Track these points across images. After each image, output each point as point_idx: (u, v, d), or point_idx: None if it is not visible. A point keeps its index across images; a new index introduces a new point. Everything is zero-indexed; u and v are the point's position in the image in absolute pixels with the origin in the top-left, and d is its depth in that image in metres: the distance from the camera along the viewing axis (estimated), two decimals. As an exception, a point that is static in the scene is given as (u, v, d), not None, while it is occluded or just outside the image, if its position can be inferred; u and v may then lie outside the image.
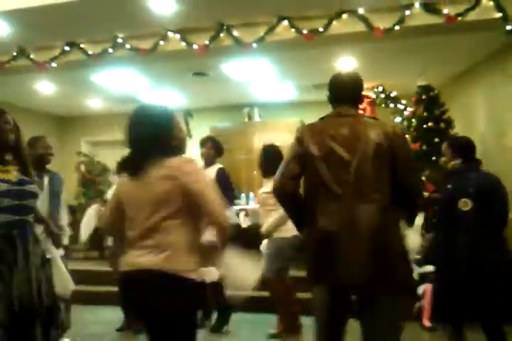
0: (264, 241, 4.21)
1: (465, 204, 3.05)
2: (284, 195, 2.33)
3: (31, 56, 5.64)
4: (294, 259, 3.97)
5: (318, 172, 2.22)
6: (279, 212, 3.66)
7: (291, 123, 8.00)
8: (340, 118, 2.34)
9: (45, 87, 7.27)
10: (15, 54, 5.66)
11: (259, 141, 7.54)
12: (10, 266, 2.22)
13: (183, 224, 1.94)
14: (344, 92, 2.41)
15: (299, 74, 6.80)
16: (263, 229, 4.02)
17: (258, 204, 4.46)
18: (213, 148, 4.68)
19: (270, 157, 4.02)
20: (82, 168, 8.17)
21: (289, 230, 3.70)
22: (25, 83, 6.96)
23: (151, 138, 2.00)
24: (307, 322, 3.43)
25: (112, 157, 7.44)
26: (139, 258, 1.92)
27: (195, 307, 2.06)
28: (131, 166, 2.02)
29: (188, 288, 1.88)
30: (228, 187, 4.35)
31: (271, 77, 6.85)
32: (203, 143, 4.72)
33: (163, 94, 7.81)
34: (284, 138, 7.70)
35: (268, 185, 3.88)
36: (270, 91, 7.72)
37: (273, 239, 4.00)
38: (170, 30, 5.20)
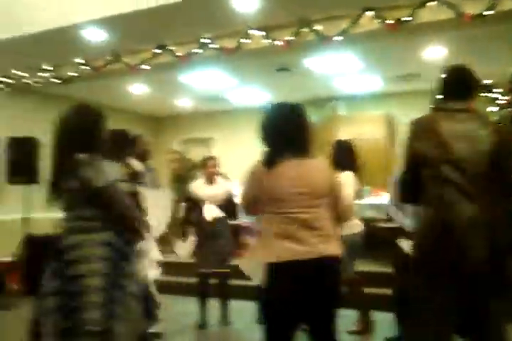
0: None
1: None
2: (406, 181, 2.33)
3: (124, 60, 5.99)
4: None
5: (439, 169, 2.14)
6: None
7: (376, 116, 7.83)
8: (455, 113, 2.26)
9: (137, 89, 7.68)
10: (110, 58, 6.04)
11: (344, 135, 7.46)
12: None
13: (329, 213, 2.29)
14: (460, 86, 2.33)
15: (385, 65, 6.63)
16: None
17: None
18: None
19: (342, 151, 4.20)
20: (174, 164, 8.53)
21: (359, 225, 4.03)
22: (119, 85, 7.39)
23: (298, 134, 2.36)
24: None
25: (200, 153, 7.75)
26: (319, 246, 2.17)
27: None
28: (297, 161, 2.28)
29: None
30: None
31: (355, 70, 6.74)
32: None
33: (248, 91, 7.96)
34: (369, 131, 7.59)
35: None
36: (355, 84, 7.59)
37: (344, 237, 4.00)
38: (253, 28, 5.28)
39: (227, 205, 4.58)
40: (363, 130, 7.48)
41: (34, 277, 2.98)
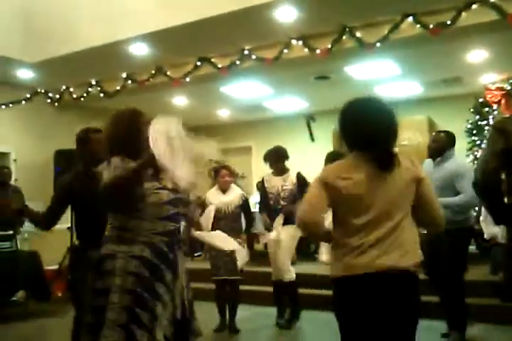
0: None
1: None
2: (488, 191, 2.18)
3: (168, 73, 6.15)
4: None
5: None
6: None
7: (417, 121, 7.76)
8: None
9: (179, 101, 7.85)
10: (153, 72, 6.22)
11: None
12: (175, 273, 2.19)
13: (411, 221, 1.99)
14: None
15: (426, 70, 6.58)
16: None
17: None
18: None
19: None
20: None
21: None
22: (162, 98, 7.58)
23: (392, 133, 1.98)
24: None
25: (238, 162, 7.83)
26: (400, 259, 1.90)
27: None
28: (379, 162, 1.92)
29: None
30: None
31: (396, 75, 6.71)
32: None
33: (286, 100, 8.02)
34: (411, 137, 7.52)
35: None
36: (395, 89, 7.55)
37: None
38: (293, 38, 5.36)
39: (245, 212, 4.62)
40: (405, 135, 7.41)
41: (73, 285, 3.12)
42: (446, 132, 3.95)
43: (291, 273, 4.45)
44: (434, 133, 4.09)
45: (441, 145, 3.83)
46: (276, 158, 4.64)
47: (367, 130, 1.96)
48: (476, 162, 6.63)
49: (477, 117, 6.75)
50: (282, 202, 4.56)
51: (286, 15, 4.82)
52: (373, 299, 1.89)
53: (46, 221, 3.12)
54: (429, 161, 3.90)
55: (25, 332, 4.71)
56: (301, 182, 4.53)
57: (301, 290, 4.69)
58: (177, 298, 2.18)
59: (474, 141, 6.77)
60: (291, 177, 4.60)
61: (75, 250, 3.22)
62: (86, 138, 3.10)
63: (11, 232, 5.38)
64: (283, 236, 4.43)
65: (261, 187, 4.86)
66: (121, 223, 2.17)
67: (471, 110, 6.79)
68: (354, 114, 2.05)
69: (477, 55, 5.85)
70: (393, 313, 1.90)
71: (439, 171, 3.73)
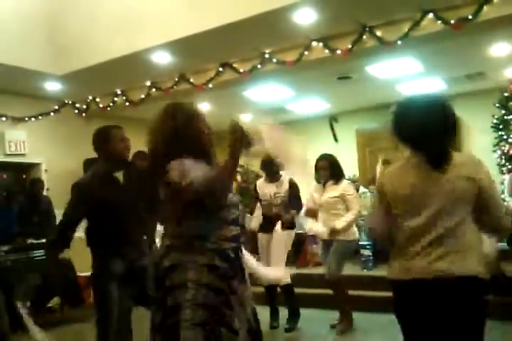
0: (320, 243, 4.53)
1: None
2: None
3: (190, 80, 6.24)
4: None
5: None
6: (354, 213, 4.21)
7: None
8: None
9: (203, 107, 7.92)
10: (176, 79, 6.31)
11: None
12: (243, 280, 2.07)
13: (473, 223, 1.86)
14: None
15: (449, 66, 6.51)
16: (338, 225, 4.16)
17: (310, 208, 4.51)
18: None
19: (334, 163, 4.43)
20: (238, 177, 8.70)
21: (354, 233, 4.37)
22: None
23: (444, 130, 1.87)
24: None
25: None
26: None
27: None
28: (430, 161, 1.85)
29: None
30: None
31: (418, 73, 6.67)
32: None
33: (308, 101, 8.03)
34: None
35: (337, 189, 4.30)
36: (417, 87, 7.48)
37: (340, 241, 4.25)
38: (313, 40, 5.38)
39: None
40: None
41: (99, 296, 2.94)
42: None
43: (287, 277, 4.44)
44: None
45: None
46: (272, 168, 4.57)
47: (413, 129, 1.89)
48: (503, 157, 6.53)
49: (503, 112, 6.65)
50: (274, 210, 4.54)
51: (305, 17, 4.84)
52: (430, 304, 1.82)
53: (61, 239, 2.90)
54: None
55: (61, 337, 4.82)
56: (293, 189, 4.53)
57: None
58: (247, 306, 2.03)
59: (501, 135, 6.66)
60: (285, 185, 4.55)
61: (96, 259, 2.97)
62: (107, 135, 2.89)
63: (43, 241, 5.52)
64: (276, 239, 4.47)
65: (254, 194, 4.83)
66: (187, 231, 1.99)
67: (497, 105, 6.69)
68: (400, 114, 1.98)
69: (501, 48, 5.77)
70: (454, 318, 1.81)
71: None
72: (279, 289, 4.63)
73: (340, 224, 4.17)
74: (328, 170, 4.38)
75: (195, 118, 2.11)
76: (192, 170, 1.90)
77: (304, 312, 4.66)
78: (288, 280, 4.45)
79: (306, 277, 5.48)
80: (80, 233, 3.00)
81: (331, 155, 4.51)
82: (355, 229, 4.44)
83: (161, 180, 1.97)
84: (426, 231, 1.83)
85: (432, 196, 1.83)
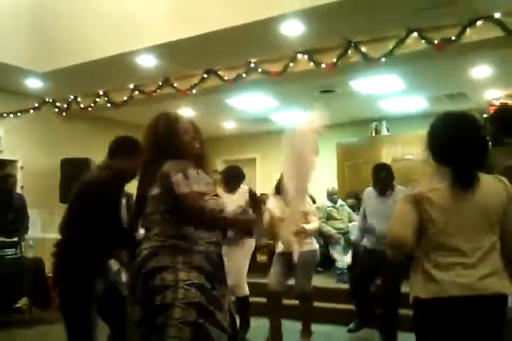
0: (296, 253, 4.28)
1: None
2: None
3: (174, 84, 6.22)
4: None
5: None
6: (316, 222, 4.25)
7: (421, 136, 7.77)
8: None
9: (186, 112, 7.91)
10: (160, 83, 6.29)
11: (387, 155, 7.43)
12: (224, 284, 2.12)
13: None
14: None
15: (431, 85, 6.63)
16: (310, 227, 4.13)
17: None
18: None
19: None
20: (218, 184, 8.67)
21: (314, 243, 4.26)
22: (168, 109, 7.62)
23: (474, 149, 1.93)
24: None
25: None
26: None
27: None
28: (462, 179, 1.87)
29: None
30: None
31: (400, 90, 6.77)
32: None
33: (291, 113, 8.07)
34: (415, 152, 7.54)
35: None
36: (399, 104, 7.60)
37: (305, 253, 4.07)
38: (298, 52, 5.42)
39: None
40: (407, 150, 7.44)
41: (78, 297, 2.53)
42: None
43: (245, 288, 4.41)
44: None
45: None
46: (232, 180, 4.54)
47: (445, 145, 1.96)
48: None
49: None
50: None
51: (292, 29, 4.88)
52: (470, 321, 1.83)
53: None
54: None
55: (27, 338, 4.72)
56: (253, 198, 4.43)
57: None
58: (227, 310, 2.04)
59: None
60: (245, 195, 4.40)
61: (82, 260, 2.57)
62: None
63: (15, 239, 5.41)
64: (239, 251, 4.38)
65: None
66: (176, 232, 2.01)
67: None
68: (435, 129, 2.06)
69: (482, 70, 5.90)
70: (482, 337, 1.84)
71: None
72: (233, 298, 4.55)
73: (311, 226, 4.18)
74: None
75: (176, 129, 2.18)
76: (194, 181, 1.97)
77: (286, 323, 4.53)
78: (246, 292, 4.41)
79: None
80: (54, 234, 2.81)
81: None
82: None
83: (153, 181, 2.05)
84: (463, 248, 1.85)
85: (462, 214, 1.86)
